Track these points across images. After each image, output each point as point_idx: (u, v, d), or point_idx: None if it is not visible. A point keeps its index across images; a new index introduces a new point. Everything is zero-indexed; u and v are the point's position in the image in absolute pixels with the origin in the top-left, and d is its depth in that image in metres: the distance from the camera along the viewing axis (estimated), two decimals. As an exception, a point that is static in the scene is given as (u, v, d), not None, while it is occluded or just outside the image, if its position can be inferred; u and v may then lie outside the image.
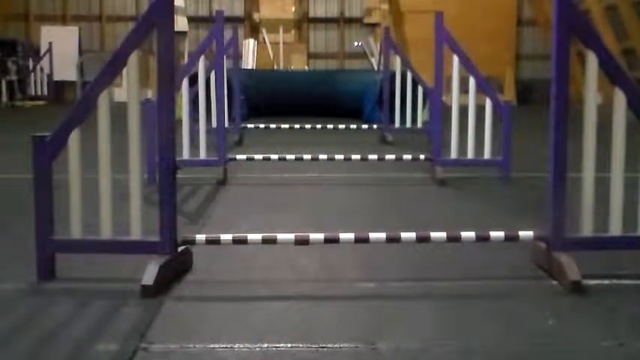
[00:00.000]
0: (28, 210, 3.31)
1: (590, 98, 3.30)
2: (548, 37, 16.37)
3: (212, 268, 3.47)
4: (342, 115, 12.47)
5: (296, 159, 6.33)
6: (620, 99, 3.29)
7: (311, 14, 20.77)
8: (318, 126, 9.40)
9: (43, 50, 18.63)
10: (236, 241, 3.37)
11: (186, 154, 6.19)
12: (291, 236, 3.35)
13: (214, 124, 6.41)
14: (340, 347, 2.51)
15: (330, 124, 9.62)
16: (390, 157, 6.50)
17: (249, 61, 17.87)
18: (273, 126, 9.39)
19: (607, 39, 13.72)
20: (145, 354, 2.45)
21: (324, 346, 2.52)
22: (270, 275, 3.39)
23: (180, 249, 3.30)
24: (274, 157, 6.32)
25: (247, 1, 20.52)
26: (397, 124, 9.68)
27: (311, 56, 20.45)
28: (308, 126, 9.36)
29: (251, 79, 13.26)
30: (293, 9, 20.29)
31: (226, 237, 3.37)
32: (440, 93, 6.39)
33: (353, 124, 10.15)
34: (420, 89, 9.49)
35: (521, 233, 3.40)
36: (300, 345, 2.53)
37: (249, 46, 18.39)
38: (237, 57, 10.54)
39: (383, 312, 2.91)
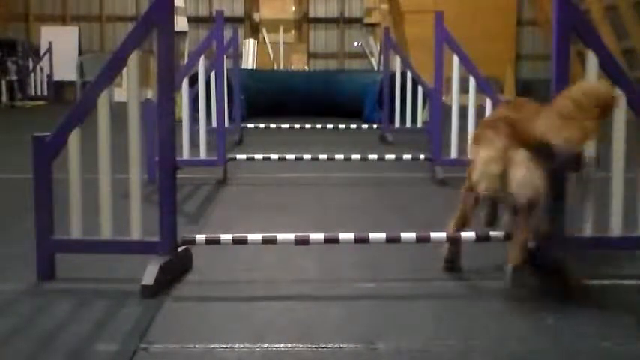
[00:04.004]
0: (28, 210, 3.32)
1: (590, 98, 3.29)
2: (548, 37, 16.37)
3: (212, 268, 3.47)
4: (342, 115, 12.47)
5: (296, 159, 6.32)
6: (620, 99, 3.29)
7: (311, 14, 20.77)
8: (318, 126, 9.40)
9: (43, 50, 18.63)
10: (236, 241, 3.36)
11: (186, 154, 6.19)
12: (291, 236, 3.35)
13: (214, 124, 6.41)
14: (340, 347, 2.51)
15: (330, 124, 9.62)
16: (390, 157, 6.50)
17: (249, 61, 17.88)
18: (273, 126, 9.39)
19: (607, 39, 13.71)
20: (145, 354, 2.45)
21: (324, 346, 2.52)
22: (271, 275, 3.39)
23: (180, 249, 3.30)
24: (274, 157, 6.32)
25: (247, 1, 20.53)
26: (397, 124, 9.68)
27: (311, 56, 20.45)
28: (308, 126, 9.36)
29: (251, 79, 13.26)
30: (293, 9, 20.30)
31: (226, 237, 3.36)
32: (440, 93, 6.39)
33: (353, 124, 10.15)
34: (420, 89, 9.50)
35: (521, 233, 3.39)
36: (300, 345, 2.53)
37: (249, 46, 18.40)
38: (237, 57, 10.54)
39: (383, 312, 2.91)
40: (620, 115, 3.30)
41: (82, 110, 3.21)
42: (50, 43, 18.41)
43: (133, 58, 3.18)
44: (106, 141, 3.22)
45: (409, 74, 9.53)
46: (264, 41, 19.20)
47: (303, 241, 3.34)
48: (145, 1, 19.01)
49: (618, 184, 3.31)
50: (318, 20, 20.79)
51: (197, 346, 2.52)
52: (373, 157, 6.42)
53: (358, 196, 5.64)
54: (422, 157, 6.47)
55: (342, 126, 9.57)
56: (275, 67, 18.45)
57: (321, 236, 3.37)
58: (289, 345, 2.53)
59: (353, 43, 20.47)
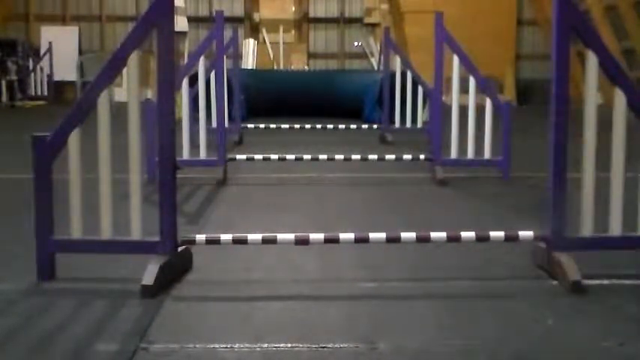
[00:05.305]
0: (28, 210, 3.32)
1: (590, 98, 3.30)
2: (548, 37, 16.37)
3: (212, 268, 3.47)
4: (342, 115, 12.47)
5: (296, 159, 6.32)
6: (620, 99, 3.29)
7: (311, 14, 20.75)
8: (318, 126, 9.40)
9: (43, 50, 18.62)
10: (236, 241, 3.36)
11: (186, 154, 6.20)
12: (291, 236, 3.35)
13: (214, 124, 6.41)
14: (340, 347, 2.51)
15: (330, 124, 9.62)
16: (390, 157, 6.50)
17: (249, 61, 17.87)
18: (273, 126, 9.39)
19: (607, 39, 13.71)
20: (145, 354, 2.45)
21: (324, 346, 2.52)
22: (270, 275, 3.39)
23: (180, 249, 3.30)
24: (274, 157, 6.32)
25: (247, 1, 20.52)
26: (397, 124, 9.69)
27: (311, 56, 20.44)
28: (308, 126, 9.36)
29: (251, 79, 13.26)
30: (293, 9, 20.29)
31: (226, 237, 3.37)
32: (440, 93, 6.39)
33: (353, 124, 10.16)
34: (420, 89, 9.50)
35: (521, 233, 3.40)
36: (300, 345, 2.53)
37: (249, 46, 18.39)
38: (237, 57, 10.54)
39: (383, 312, 2.91)
40: (620, 114, 3.30)
41: (82, 110, 3.21)
42: (50, 43, 18.40)
43: (133, 58, 3.18)
44: (106, 141, 3.22)
45: (409, 74, 9.53)
46: (264, 41, 19.20)
47: (303, 241, 3.34)
48: (144, 1, 18.99)
49: (618, 184, 3.32)
50: (318, 20, 20.77)
51: (197, 346, 2.52)
52: (373, 157, 6.42)
53: (358, 196, 5.64)
54: (422, 157, 6.47)
55: (342, 126, 9.57)
56: (275, 67, 18.45)
57: (321, 236, 3.37)
58: (289, 345, 2.53)
59: (353, 43, 20.46)
